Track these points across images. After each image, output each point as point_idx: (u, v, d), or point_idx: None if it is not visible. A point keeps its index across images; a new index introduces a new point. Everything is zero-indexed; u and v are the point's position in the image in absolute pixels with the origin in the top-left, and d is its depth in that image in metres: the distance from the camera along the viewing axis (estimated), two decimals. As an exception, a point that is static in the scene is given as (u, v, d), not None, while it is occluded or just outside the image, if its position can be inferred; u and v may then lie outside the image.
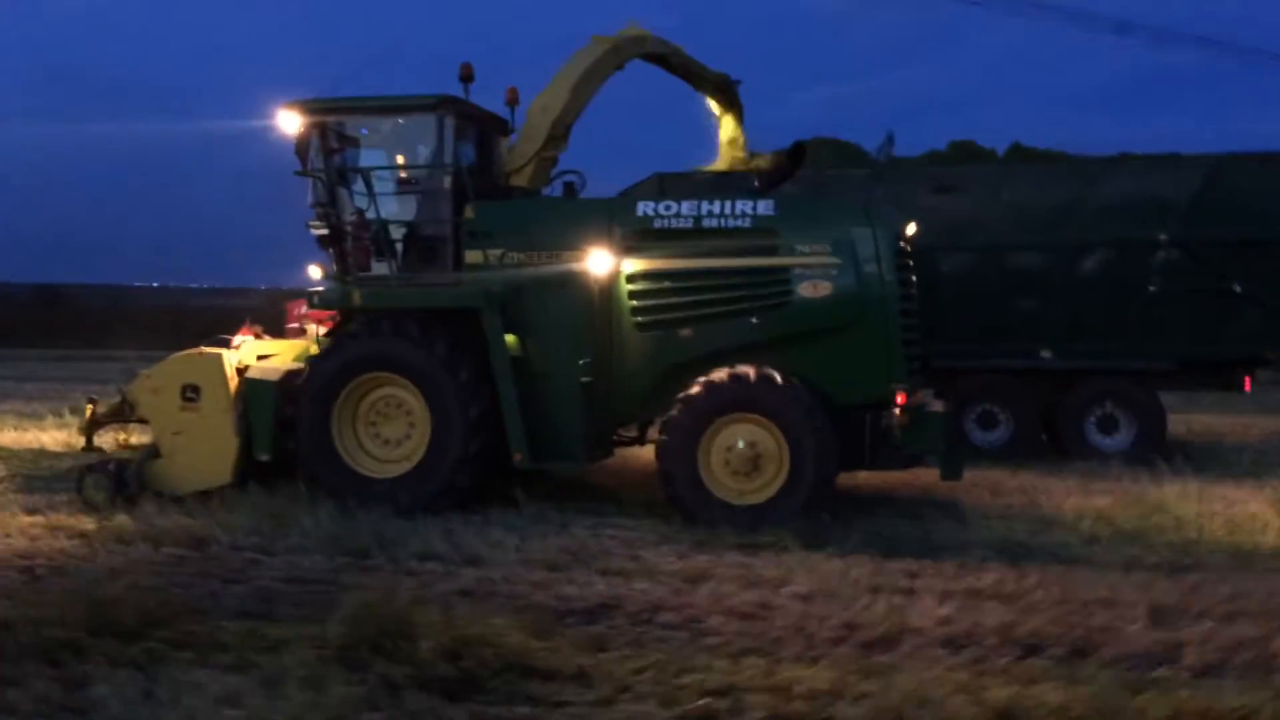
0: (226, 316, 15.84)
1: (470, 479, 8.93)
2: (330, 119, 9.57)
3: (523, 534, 8.05)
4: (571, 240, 9.14)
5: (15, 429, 13.89)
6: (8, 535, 8.01)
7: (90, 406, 9.96)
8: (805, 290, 8.72)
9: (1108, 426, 12.36)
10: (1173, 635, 5.59)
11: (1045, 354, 12.36)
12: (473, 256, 9.34)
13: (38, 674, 4.99)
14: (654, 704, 4.69)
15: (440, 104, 9.36)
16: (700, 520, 8.35)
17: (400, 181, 9.92)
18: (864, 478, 10.02)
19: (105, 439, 10.17)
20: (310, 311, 11.53)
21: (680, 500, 8.59)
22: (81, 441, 10.08)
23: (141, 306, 48.30)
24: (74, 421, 12.55)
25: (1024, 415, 12.54)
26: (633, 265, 9.05)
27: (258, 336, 10.32)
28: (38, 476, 10.55)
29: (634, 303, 9.05)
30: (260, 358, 9.75)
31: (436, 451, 8.87)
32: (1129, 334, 12.19)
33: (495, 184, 10.01)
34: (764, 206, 8.95)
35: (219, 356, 9.39)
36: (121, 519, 8.37)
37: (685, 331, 8.96)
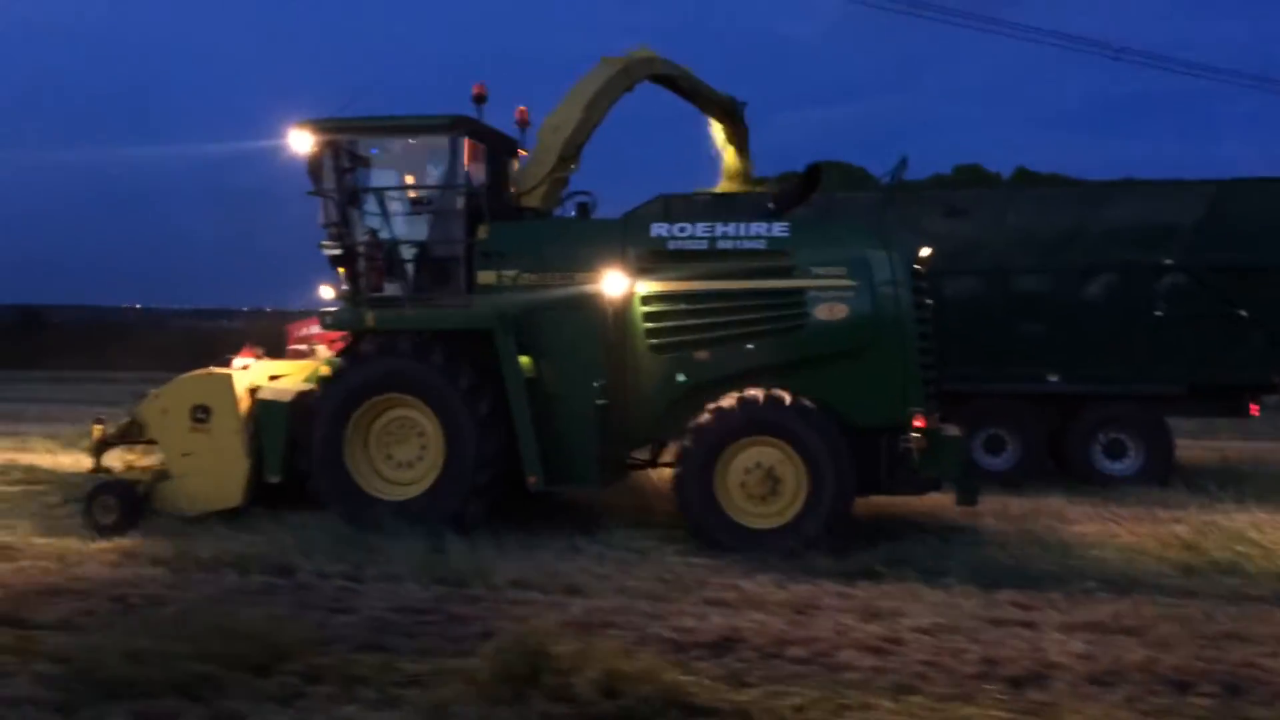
0: (210, 337, 15.72)
1: (484, 501, 8.86)
2: (343, 138, 9.54)
3: (611, 561, 7.95)
4: (585, 261, 9.10)
5: (48, 451, 13.53)
6: (83, 564, 7.88)
7: (99, 427, 9.86)
8: (821, 313, 8.72)
9: (1115, 451, 12.32)
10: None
11: (1052, 378, 12.35)
12: (485, 277, 9.29)
13: (189, 711, 4.84)
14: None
15: (454, 124, 9.36)
16: (722, 547, 8.29)
17: (413, 202, 9.89)
18: (875, 501, 9.90)
19: (113, 459, 10.03)
20: (319, 333, 11.47)
21: (700, 528, 8.54)
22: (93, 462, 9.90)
23: (126, 326, 47.94)
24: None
25: (1031, 440, 12.48)
26: (647, 287, 9.02)
27: (259, 358, 10.26)
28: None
29: (648, 324, 9.02)
30: (272, 378, 9.69)
31: (450, 473, 8.80)
32: (1135, 359, 12.17)
33: (506, 205, 9.99)
34: (779, 229, 8.95)
35: (229, 377, 9.35)
36: (192, 542, 8.22)
37: (700, 354, 8.93)
